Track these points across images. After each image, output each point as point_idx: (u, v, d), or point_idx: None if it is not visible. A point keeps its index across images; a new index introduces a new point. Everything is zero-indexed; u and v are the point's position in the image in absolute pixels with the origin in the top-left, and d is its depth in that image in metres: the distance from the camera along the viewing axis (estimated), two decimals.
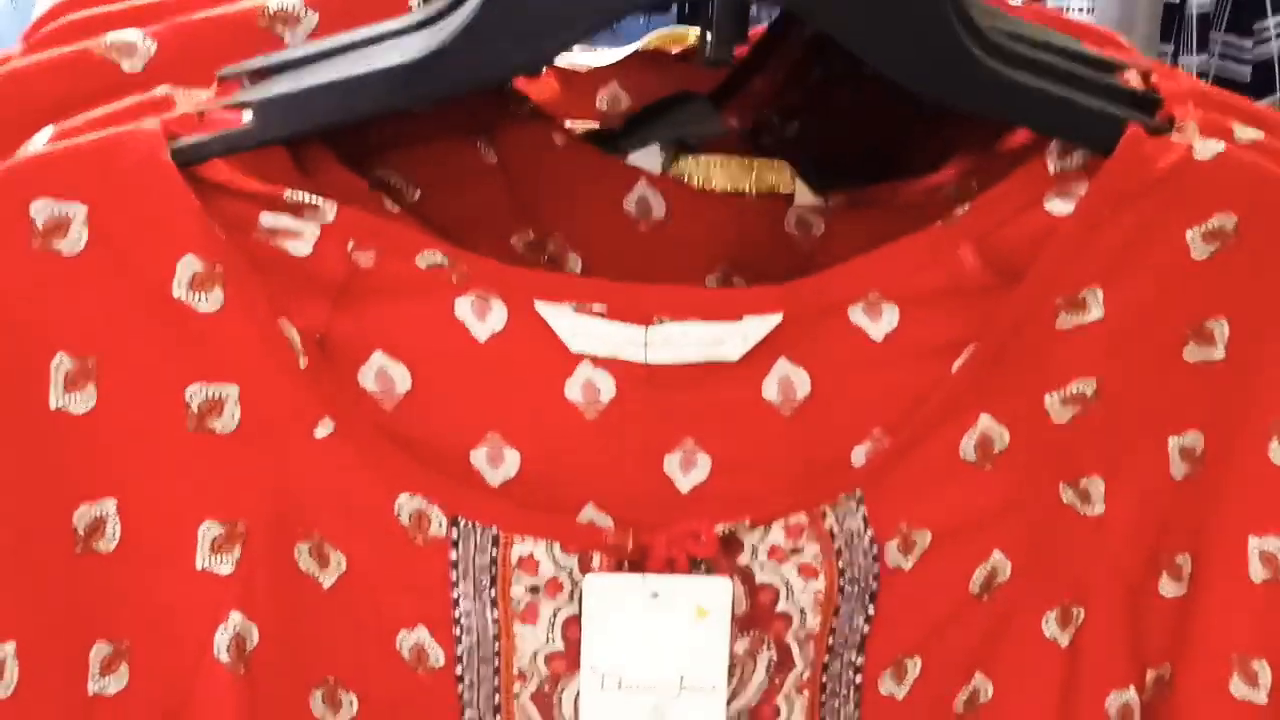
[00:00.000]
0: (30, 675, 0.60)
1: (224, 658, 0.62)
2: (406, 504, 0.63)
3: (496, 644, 0.65)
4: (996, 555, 0.68)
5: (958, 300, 0.66)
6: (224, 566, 0.62)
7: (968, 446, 0.67)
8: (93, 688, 0.62)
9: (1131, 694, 0.70)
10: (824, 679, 0.69)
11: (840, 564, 0.67)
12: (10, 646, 0.60)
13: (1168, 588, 0.70)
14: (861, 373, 0.67)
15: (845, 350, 0.67)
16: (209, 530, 0.62)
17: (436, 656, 0.65)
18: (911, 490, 0.67)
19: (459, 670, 0.66)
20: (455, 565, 0.64)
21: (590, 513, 0.66)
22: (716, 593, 0.66)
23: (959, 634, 0.70)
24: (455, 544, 0.64)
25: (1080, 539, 0.69)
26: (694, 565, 0.66)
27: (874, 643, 0.69)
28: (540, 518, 0.64)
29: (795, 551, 0.66)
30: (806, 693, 0.69)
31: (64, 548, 0.60)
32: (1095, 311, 0.66)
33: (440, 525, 0.63)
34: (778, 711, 0.69)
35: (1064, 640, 0.70)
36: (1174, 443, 0.68)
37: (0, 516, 0.59)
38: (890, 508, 0.67)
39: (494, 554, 0.64)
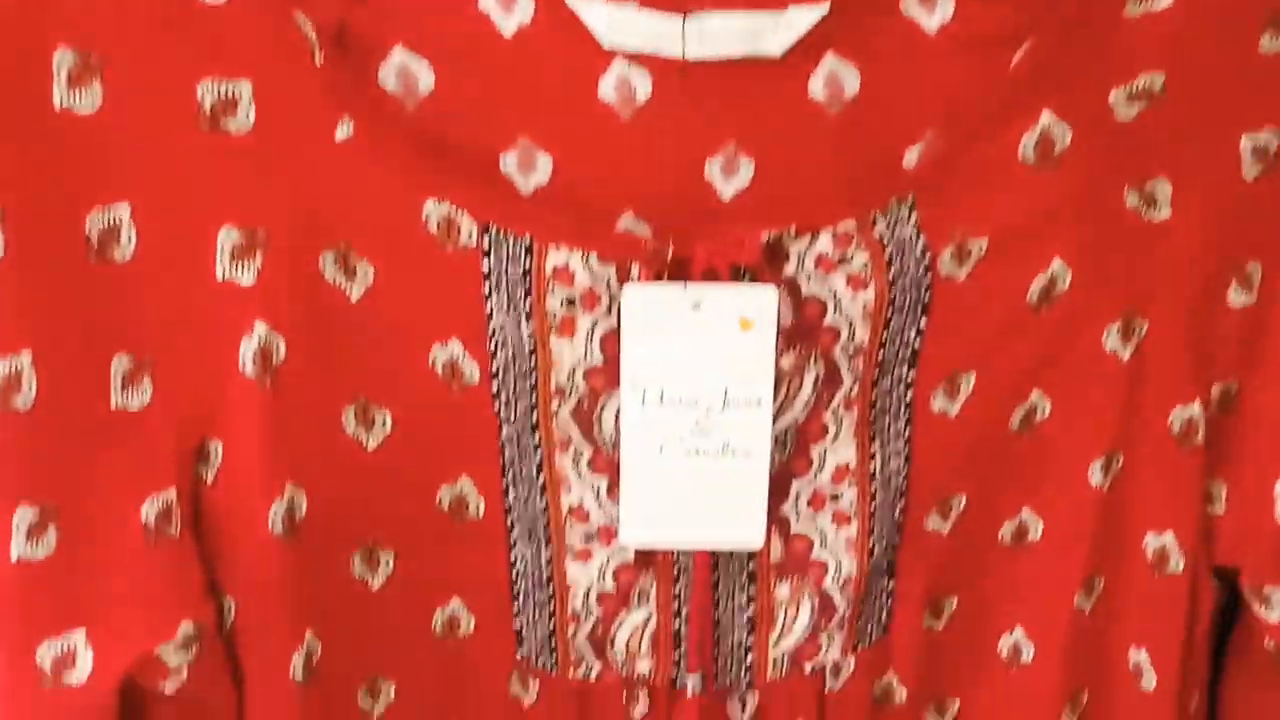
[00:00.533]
0: (49, 387, 0.58)
1: (249, 371, 0.61)
2: (434, 211, 0.60)
3: (533, 359, 0.63)
4: (1056, 263, 0.65)
5: None
6: (246, 276, 0.60)
7: (1027, 146, 0.63)
8: (115, 402, 0.61)
9: (1196, 409, 0.68)
10: (873, 396, 0.67)
11: (891, 274, 0.64)
12: (26, 356, 0.58)
13: (1236, 297, 0.67)
14: (914, 68, 0.63)
15: (897, 44, 0.63)
16: (228, 237, 0.60)
17: (471, 372, 0.63)
18: (967, 194, 0.64)
19: (495, 387, 0.64)
20: (488, 276, 0.62)
21: (628, 221, 0.63)
22: (762, 302, 0.63)
23: (1015, 348, 0.67)
24: (487, 253, 0.61)
25: (1145, 245, 0.66)
26: (736, 274, 0.63)
27: (926, 357, 0.66)
28: (575, 226, 0.62)
29: (843, 261, 0.64)
30: (855, 409, 0.67)
31: (77, 255, 0.59)
32: None
33: (470, 234, 0.61)
34: (825, 428, 0.67)
35: (1125, 353, 0.68)
36: (1246, 141, 0.65)
37: (10, 221, 0.57)
38: (944, 213, 0.64)
39: (527, 264, 0.61)
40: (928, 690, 0.75)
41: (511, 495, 0.67)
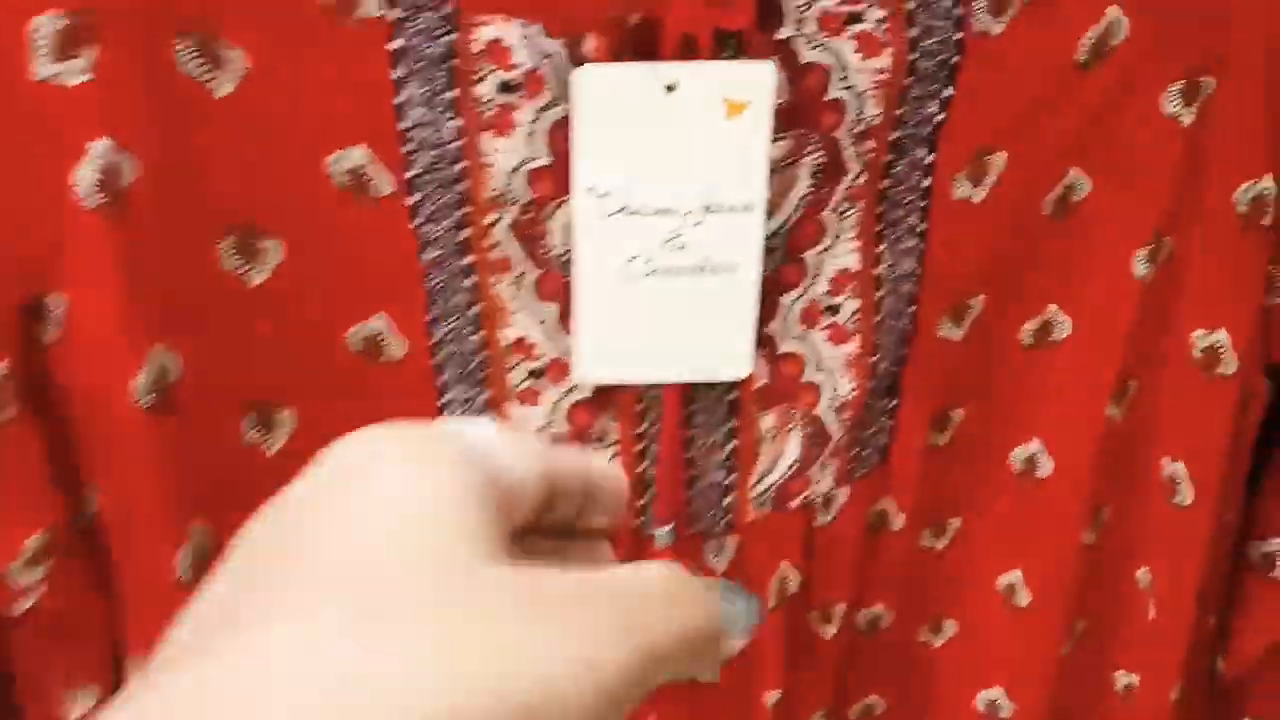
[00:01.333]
0: None
1: (90, 201, 0.46)
2: None
3: (461, 163, 0.49)
4: (1112, 11, 0.54)
5: None
6: (75, 75, 0.45)
7: None
8: None
9: (1268, 184, 0.58)
10: (883, 184, 0.54)
11: (913, 32, 0.51)
12: None
13: None
14: None
15: None
16: (47, 25, 0.44)
17: (381, 182, 0.50)
18: None
19: (412, 199, 0.50)
20: (398, 58, 0.47)
21: None
22: (754, 79, 0.50)
23: (1056, 118, 0.56)
24: (396, 26, 0.47)
25: None
26: (721, 44, 0.49)
27: (949, 133, 0.55)
28: None
29: (854, 19, 0.50)
30: (861, 204, 0.55)
31: None
32: None
33: (375, 1, 0.46)
34: (823, 229, 0.55)
35: (1187, 118, 0.56)
36: None
37: None
38: None
39: (450, 40, 0.47)
40: (927, 512, 0.65)
41: (438, 331, 0.54)
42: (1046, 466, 0.65)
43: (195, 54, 0.47)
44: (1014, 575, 0.67)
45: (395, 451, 0.28)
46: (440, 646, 0.24)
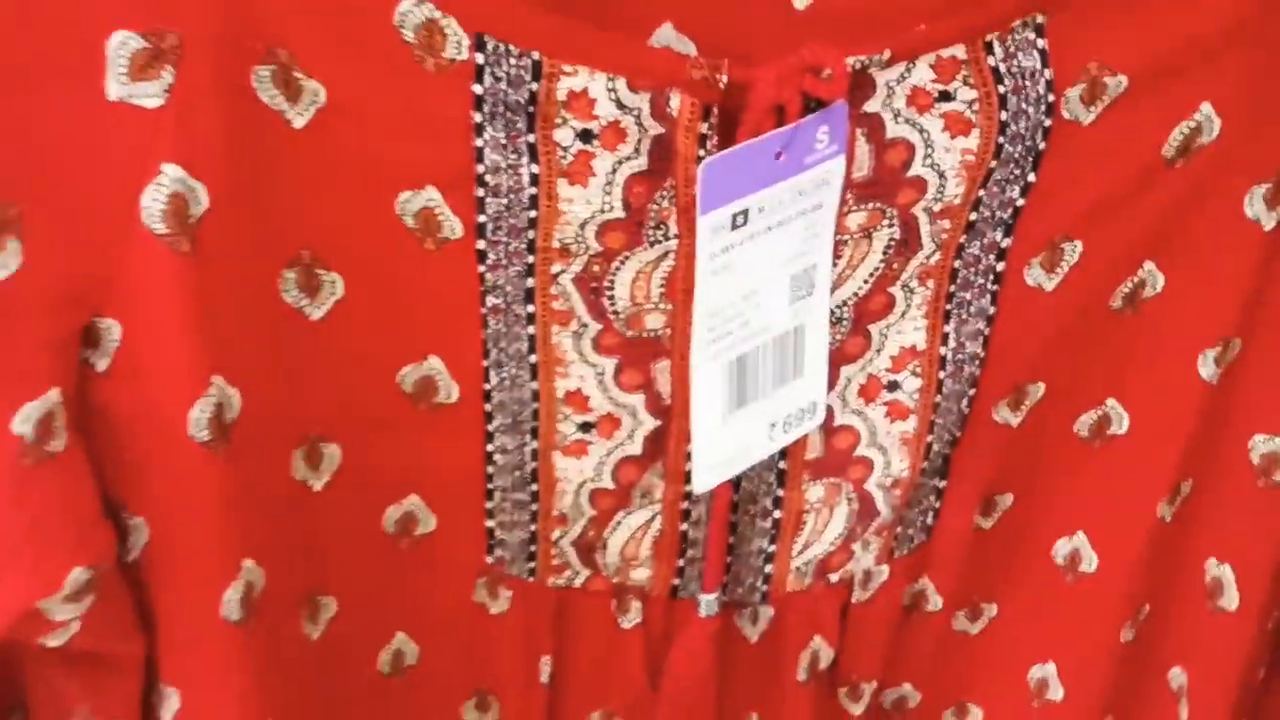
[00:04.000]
0: None
1: (159, 227, 0.45)
2: (413, 13, 0.45)
3: (533, 210, 0.48)
4: (1205, 109, 0.52)
5: None
6: (150, 98, 0.44)
7: None
8: None
9: None
10: (956, 265, 0.53)
11: (1004, 116, 0.49)
12: None
13: None
14: None
15: None
16: (125, 44, 0.43)
17: (452, 226, 0.48)
18: (1110, 15, 0.50)
19: (481, 244, 0.49)
20: (480, 103, 0.46)
21: (667, 34, 0.48)
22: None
23: (1136, 211, 0.55)
24: (480, 71, 0.45)
25: None
26: (808, 110, 0.47)
27: (1027, 220, 0.53)
28: (599, 39, 0.47)
29: (944, 97, 0.49)
30: (931, 282, 0.53)
31: None
32: None
33: (460, 45, 0.45)
34: (892, 302, 0.54)
35: (1269, 222, 0.55)
36: None
37: None
38: (1079, 39, 0.51)
39: (534, 88, 0.46)
40: (964, 595, 0.64)
41: (494, 378, 0.53)
42: (1091, 561, 0.63)
43: (274, 83, 0.45)
44: (1048, 668, 0.66)
45: None
46: None
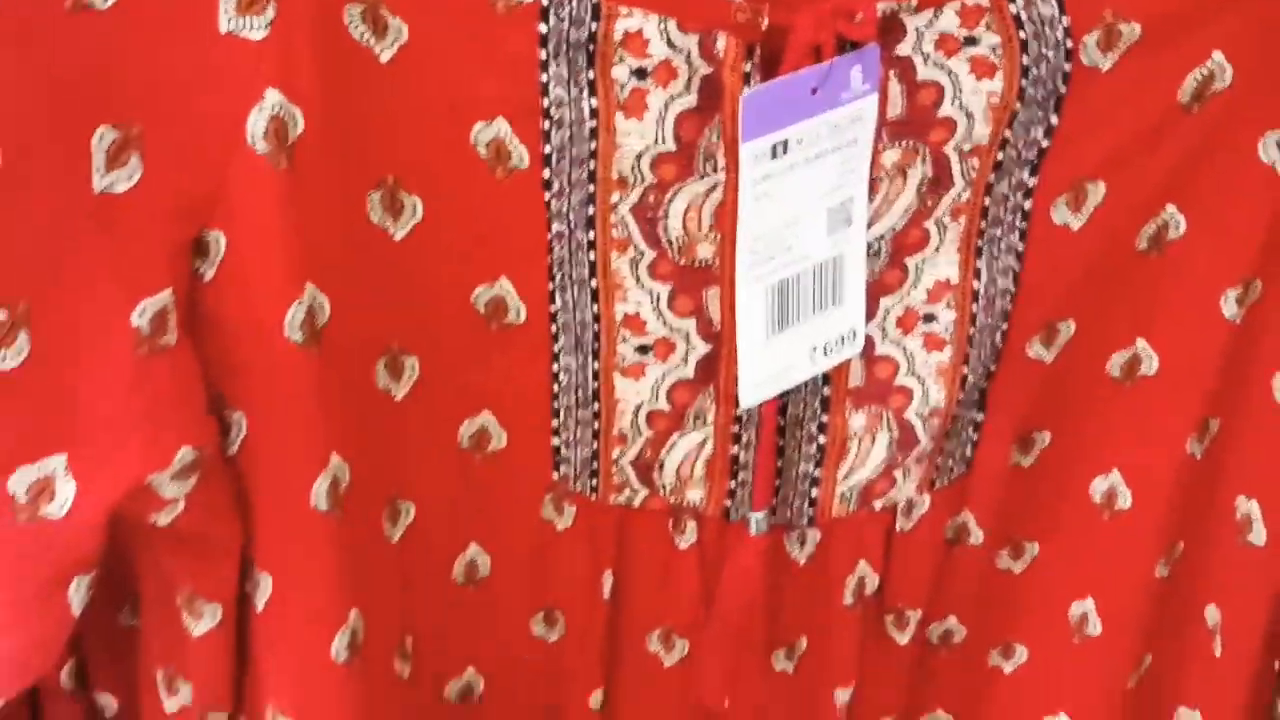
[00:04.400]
0: (15, 160, 0.48)
1: (260, 146, 0.51)
2: None
3: (593, 141, 0.54)
4: (1216, 57, 0.56)
5: None
6: (255, 30, 0.50)
7: None
8: (98, 184, 0.50)
9: None
10: (986, 202, 0.58)
11: (1025, 60, 0.54)
12: None
13: None
14: None
15: None
16: None
17: (520, 155, 0.54)
18: None
19: (546, 173, 0.54)
20: (544, 40, 0.52)
21: None
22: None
23: (1155, 153, 0.59)
24: (545, 13, 0.51)
25: None
26: (842, 51, 0.52)
27: (1052, 161, 0.58)
28: None
29: (970, 42, 0.54)
30: (963, 218, 0.58)
31: (52, 2, 0.47)
32: None
33: None
34: (926, 237, 0.59)
35: None
36: None
37: None
38: None
39: (593, 28, 0.52)
40: (1006, 532, 0.68)
41: (558, 300, 0.58)
42: (1125, 498, 0.67)
43: (363, 21, 0.52)
44: (1087, 604, 0.70)
45: None
46: None
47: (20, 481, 0.51)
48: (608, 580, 0.66)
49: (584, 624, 0.67)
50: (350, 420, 0.58)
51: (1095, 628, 0.69)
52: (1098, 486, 0.67)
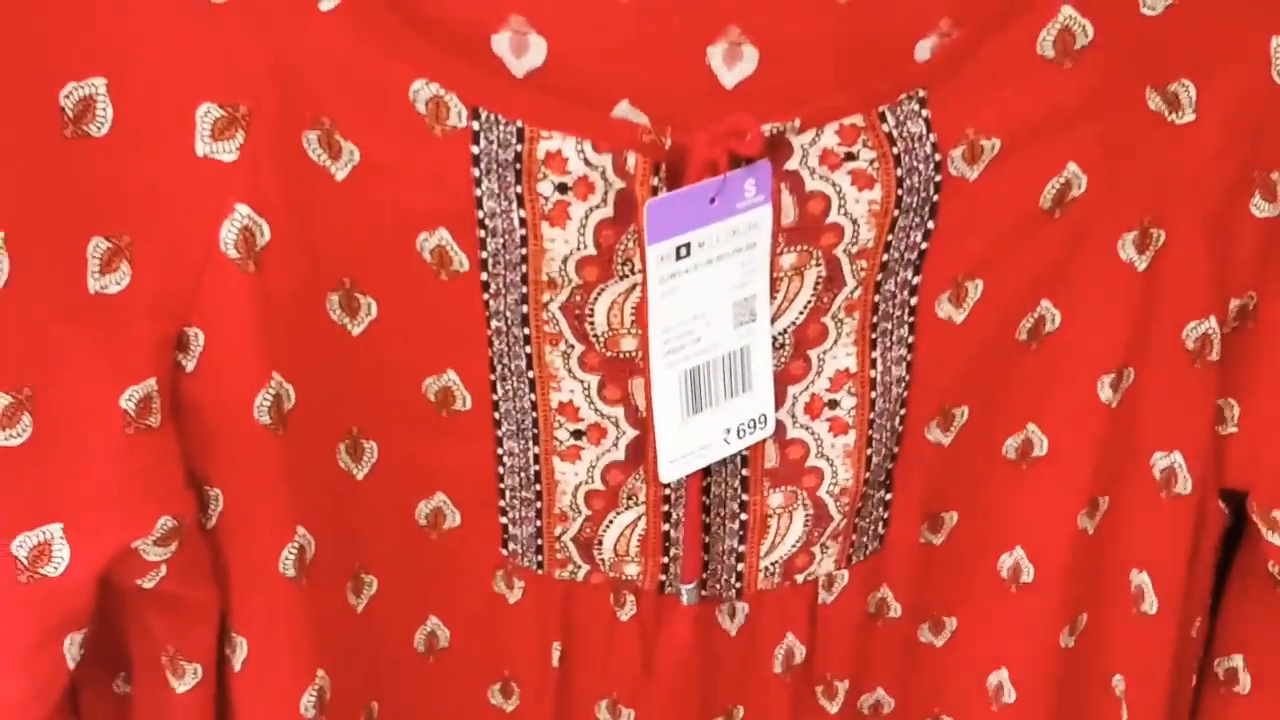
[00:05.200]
0: (22, 268, 0.57)
1: (232, 253, 0.59)
2: (422, 90, 0.59)
3: (524, 248, 0.62)
4: (1071, 167, 0.64)
5: None
6: (226, 154, 0.59)
7: (1046, 41, 0.62)
8: (93, 286, 0.59)
9: (1211, 324, 0.67)
10: (875, 299, 0.65)
11: (899, 172, 0.62)
12: None
13: (1260, 207, 0.66)
14: None
15: None
16: (208, 113, 0.58)
17: (460, 260, 0.62)
18: (981, 90, 0.62)
19: (484, 276, 0.62)
20: (477, 160, 0.60)
21: (625, 109, 0.62)
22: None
23: (1026, 254, 0.66)
24: (476, 136, 0.60)
25: (1165, 150, 0.64)
26: (736, 166, 0.61)
27: (932, 260, 0.65)
28: (570, 111, 0.61)
29: (850, 157, 0.62)
30: (857, 314, 0.65)
31: (51, 129, 0.57)
32: None
33: (460, 116, 0.59)
34: (825, 332, 0.66)
35: (1141, 264, 0.66)
36: (1277, 42, 0.62)
37: None
38: (956, 110, 0.62)
39: (519, 149, 0.60)
40: (924, 606, 0.74)
41: (499, 390, 0.66)
42: (1028, 573, 0.73)
43: (320, 144, 0.60)
44: (1001, 674, 0.75)
45: None
46: None
47: (22, 545, 0.59)
48: (556, 651, 0.72)
49: (536, 693, 0.73)
50: (315, 497, 0.65)
51: (1010, 696, 0.75)
52: (1004, 562, 0.73)
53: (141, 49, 0.57)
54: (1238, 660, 0.75)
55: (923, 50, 0.62)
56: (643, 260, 0.63)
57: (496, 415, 0.67)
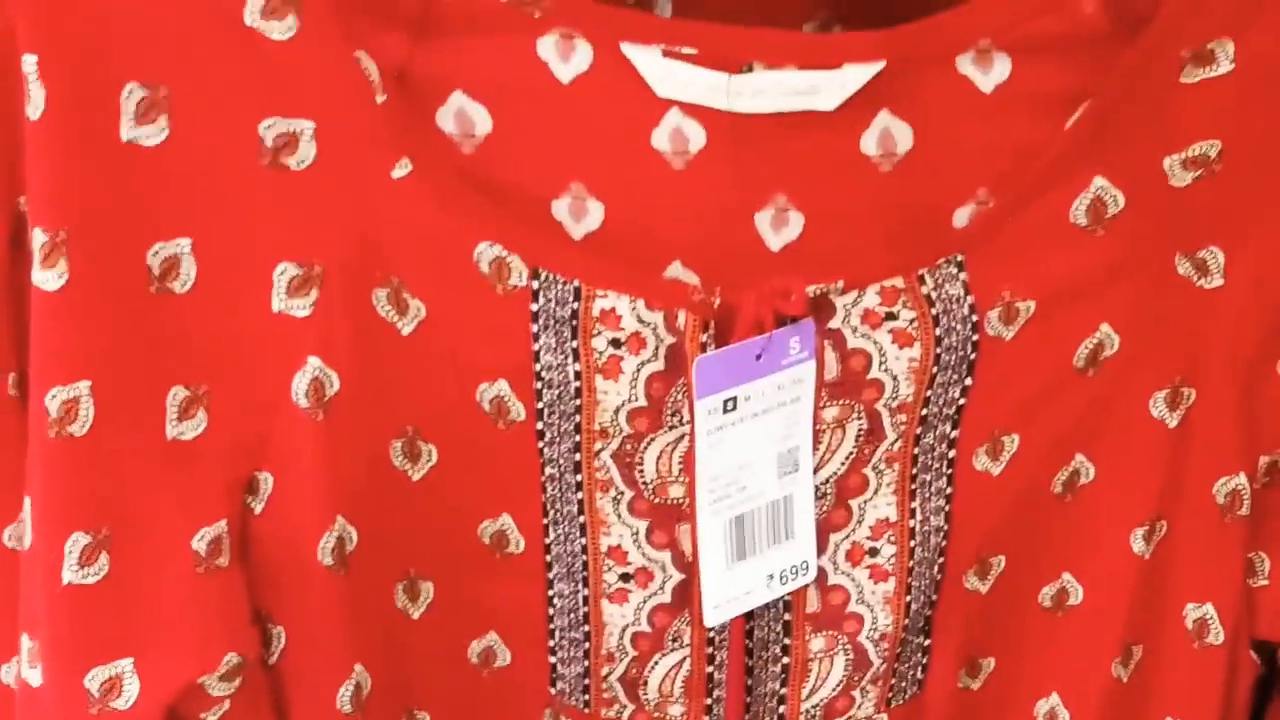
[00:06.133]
0: (106, 415, 0.60)
1: (303, 403, 0.62)
2: (486, 252, 0.62)
3: (578, 399, 0.65)
4: (1104, 328, 0.66)
5: (1075, 49, 0.63)
6: (301, 310, 0.62)
7: (1079, 210, 0.64)
8: (171, 432, 0.62)
9: (1242, 480, 0.69)
10: (915, 451, 0.68)
11: (938, 331, 0.65)
12: (85, 385, 0.60)
13: None
14: (968, 127, 0.65)
15: (951, 102, 0.64)
16: (285, 272, 0.61)
17: (517, 410, 0.65)
18: (1016, 255, 0.65)
19: (540, 425, 0.65)
20: (536, 317, 0.63)
21: (676, 269, 0.65)
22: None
23: (1060, 410, 0.68)
24: (536, 295, 0.63)
25: (1195, 313, 0.67)
26: (781, 325, 0.64)
27: (970, 416, 0.67)
28: (624, 272, 0.64)
29: (890, 317, 0.65)
30: (897, 465, 0.68)
31: (139, 286, 0.60)
32: (1224, 65, 0.63)
33: (521, 275, 0.63)
34: (866, 482, 0.68)
35: (1172, 421, 0.68)
36: None
37: (75, 249, 0.59)
38: (993, 273, 0.65)
39: (575, 307, 0.63)
40: None
41: (552, 533, 0.68)
42: (1065, 718, 0.75)
43: (388, 301, 0.64)
44: None
45: None
46: None
47: (95, 679, 0.62)
48: None
49: None
50: (373, 635, 0.68)
51: None
52: (1040, 708, 0.75)
53: (225, 212, 0.61)
54: None
55: (961, 217, 0.65)
56: (691, 412, 0.65)
57: (548, 558, 0.69)
